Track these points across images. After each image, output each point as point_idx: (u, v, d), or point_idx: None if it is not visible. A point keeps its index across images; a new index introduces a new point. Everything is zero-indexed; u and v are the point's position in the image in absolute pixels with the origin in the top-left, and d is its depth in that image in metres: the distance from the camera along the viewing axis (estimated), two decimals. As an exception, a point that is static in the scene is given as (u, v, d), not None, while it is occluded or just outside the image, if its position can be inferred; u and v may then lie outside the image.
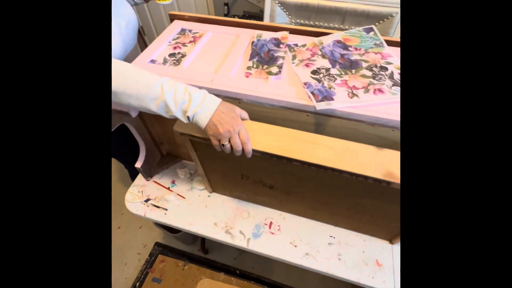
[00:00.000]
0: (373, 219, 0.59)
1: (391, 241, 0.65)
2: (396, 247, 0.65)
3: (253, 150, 0.49)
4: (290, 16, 1.27)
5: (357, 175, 0.45)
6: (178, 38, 0.70)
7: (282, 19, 1.27)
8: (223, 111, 0.46)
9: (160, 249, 1.20)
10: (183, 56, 0.65)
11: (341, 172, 0.45)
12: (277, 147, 0.48)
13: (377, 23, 1.16)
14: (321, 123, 0.53)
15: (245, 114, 0.51)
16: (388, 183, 0.43)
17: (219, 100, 0.47)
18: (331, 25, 1.24)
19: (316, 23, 1.26)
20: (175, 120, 0.53)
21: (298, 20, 1.27)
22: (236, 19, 0.73)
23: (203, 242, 1.19)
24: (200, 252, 1.21)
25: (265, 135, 0.50)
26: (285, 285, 0.99)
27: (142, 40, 1.99)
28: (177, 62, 0.63)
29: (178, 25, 0.74)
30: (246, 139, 0.47)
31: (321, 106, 0.49)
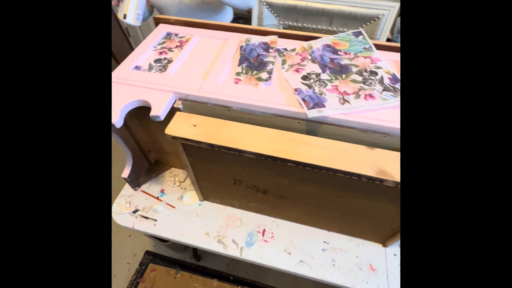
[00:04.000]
0: (366, 221, 0.59)
1: (384, 244, 0.66)
2: (389, 250, 0.65)
3: (247, 152, 0.47)
4: (278, 18, 1.26)
5: (351, 174, 0.45)
6: (163, 42, 0.68)
7: (270, 20, 1.26)
8: None
9: (151, 257, 1.16)
10: (169, 62, 0.62)
11: (335, 171, 0.45)
12: (271, 148, 0.47)
13: (364, 25, 1.17)
14: (312, 130, 0.52)
15: None
16: (382, 180, 0.43)
17: None
18: (319, 26, 1.24)
19: (304, 24, 1.25)
20: (162, 128, 0.51)
21: (286, 22, 1.26)
22: (223, 23, 0.71)
23: (195, 249, 1.16)
24: (192, 259, 1.19)
25: (258, 137, 0.49)
26: (279, 289, 0.98)
27: (127, 41, 1.93)
28: (163, 68, 0.61)
29: (163, 29, 0.71)
30: None
31: (313, 113, 0.48)
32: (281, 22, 1.27)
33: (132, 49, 2.04)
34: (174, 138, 0.51)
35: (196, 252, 1.17)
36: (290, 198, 0.59)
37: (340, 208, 0.57)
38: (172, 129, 0.51)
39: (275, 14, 1.24)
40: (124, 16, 0.63)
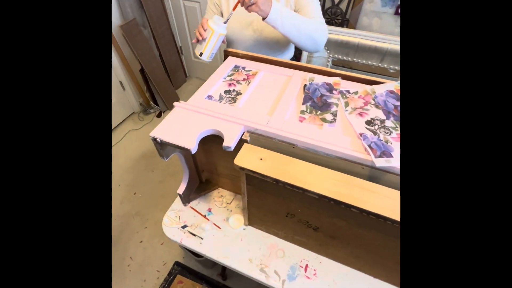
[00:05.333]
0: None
1: (434, 302, 0.62)
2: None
3: (312, 192, 0.49)
4: (328, 51, 1.30)
5: None
6: (232, 74, 0.74)
7: (320, 53, 1.31)
8: None
9: (179, 269, 1.19)
10: (238, 94, 0.68)
11: None
12: (335, 191, 0.49)
13: (417, 65, 1.16)
14: (376, 177, 0.53)
15: None
16: None
17: None
18: (369, 62, 1.26)
19: (354, 59, 1.28)
20: (221, 153, 0.55)
21: (336, 55, 1.30)
22: (288, 61, 0.76)
23: (223, 267, 1.17)
24: (219, 277, 1.19)
25: (323, 178, 0.51)
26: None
27: (180, 59, 2.10)
28: (233, 100, 0.66)
29: (232, 61, 0.77)
30: None
31: (381, 163, 0.49)
32: (331, 55, 1.31)
33: (183, 66, 2.20)
34: (242, 169, 0.54)
35: (225, 271, 1.18)
36: (342, 239, 0.59)
37: (395, 257, 0.56)
38: (240, 160, 0.54)
39: (326, 47, 1.29)
40: (201, 54, 0.71)
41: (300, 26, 0.72)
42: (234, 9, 0.69)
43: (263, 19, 0.70)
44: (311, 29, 0.74)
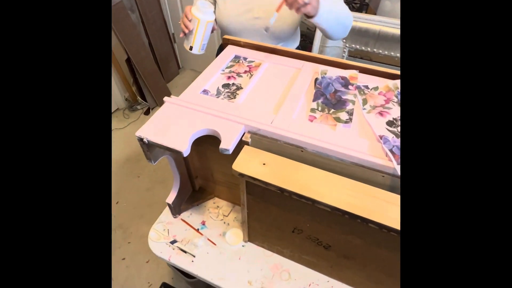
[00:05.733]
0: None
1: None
2: None
3: (323, 204, 0.49)
4: (344, 40, 1.31)
5: None
6: (232, 66, 0.74)
7: (334, 42, 1.31)
8: None
9: (167, 292, 1.19)
10: (238, 88, 0.68)
11: None
12: (351, 204, 0.48)
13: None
14: (398, 187, 0.52)
15: None
16: None
17: None
18: (392, 53, 1.26)
19: (374, 50, 1.28)
20: (218, 156, 0.56)
21: (353, 45, 1.30)
22: (297, 51, 0.76)
23: (218, 291, 1.17)
24: (213, 302, 1.19)
25: (336, 188, 0.51)
26: None
27: (172, 47, 2.11)
28: (232, 95, 0.66)
29: (232, 51, 0.78)
30: None
31: (404, 170, 0.49)
32: (347, 45, 1.31)
33: (175, 55, 2.22)
34: (241, 175, 0.54)
35: (220, 295, 1.17)
36: (358, 260, 0.59)
37: (419, 283, 0.55)
38: (239, 165, 0.54)
39: (342, 36, 1.29)
40: (191, 48, 0.72)
41: (338, 16, 0.75)
42: (277, 10, 0.69)
43: (309, 17, 0.70)
44: (344, 16, 0.77)
